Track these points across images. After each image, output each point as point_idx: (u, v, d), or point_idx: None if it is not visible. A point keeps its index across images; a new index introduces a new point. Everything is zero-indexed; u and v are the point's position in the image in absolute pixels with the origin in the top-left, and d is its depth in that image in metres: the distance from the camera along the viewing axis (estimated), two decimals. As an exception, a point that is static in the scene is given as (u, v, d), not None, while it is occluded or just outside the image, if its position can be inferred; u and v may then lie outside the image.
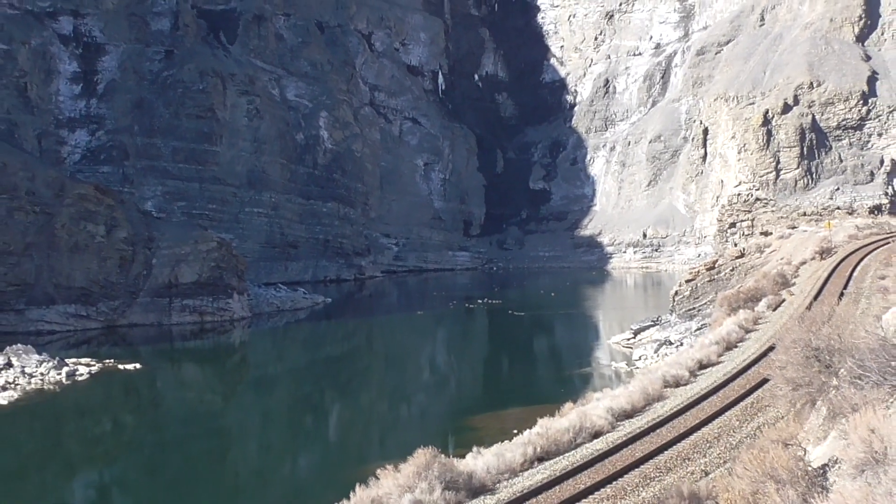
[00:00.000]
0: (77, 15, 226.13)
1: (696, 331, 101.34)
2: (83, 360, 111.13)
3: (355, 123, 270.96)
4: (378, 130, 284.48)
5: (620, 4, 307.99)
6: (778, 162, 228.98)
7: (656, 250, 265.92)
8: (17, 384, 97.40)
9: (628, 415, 54.45)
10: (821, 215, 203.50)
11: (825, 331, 34.26)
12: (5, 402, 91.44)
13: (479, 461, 45.49)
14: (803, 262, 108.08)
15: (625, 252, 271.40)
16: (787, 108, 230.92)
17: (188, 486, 71.82)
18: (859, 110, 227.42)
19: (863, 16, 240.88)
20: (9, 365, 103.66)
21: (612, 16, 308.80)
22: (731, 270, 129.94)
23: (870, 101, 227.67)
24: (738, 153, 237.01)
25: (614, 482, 42.06)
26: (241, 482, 73.72)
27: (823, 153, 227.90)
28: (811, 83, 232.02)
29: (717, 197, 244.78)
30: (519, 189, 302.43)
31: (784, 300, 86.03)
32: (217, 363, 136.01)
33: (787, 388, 34.10)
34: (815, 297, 79.08)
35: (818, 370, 30.86)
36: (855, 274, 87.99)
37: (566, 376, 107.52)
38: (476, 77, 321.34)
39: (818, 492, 18.96)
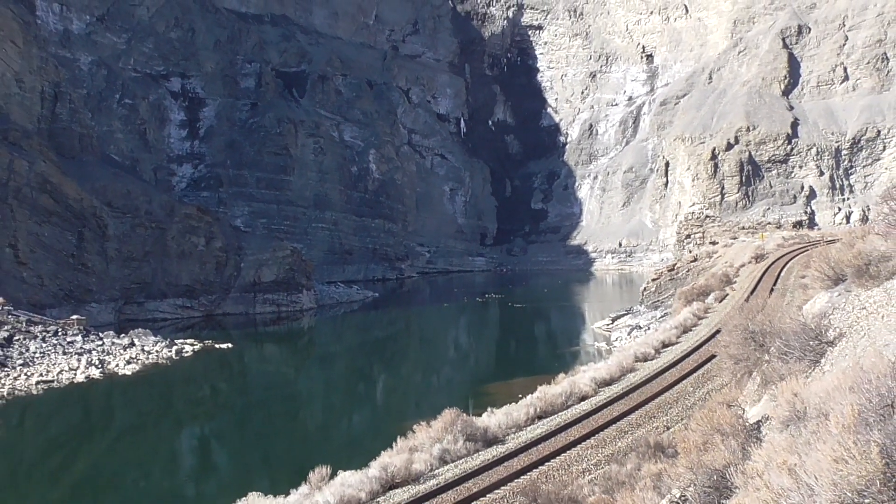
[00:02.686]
0: (184, 76, 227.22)
1: (660, 318, 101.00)
2: (188, 341, 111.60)
3: (397, 158, 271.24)
4: (414, 164, 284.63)
5: (601, 67, 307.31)
6: (723, 188, 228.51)
7: (629, 256, 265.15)
8: (139, 359, 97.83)
9: (608, 383, 54.30)
10: (756, 229, 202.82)
11: (759, 318, 34.09)
12: (129, 373, 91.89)
13: (492, 419, 45.43)
14: (742, 265, 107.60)
15: (605, 257, 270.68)
16: (729, 147, 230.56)
17: (269, 436, 72.03)
18: (785, 148, 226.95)
19: (787, 76, 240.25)
20: (132, 344, 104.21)
21: (594, 75, 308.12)
22: (687, 271, 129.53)
23: (793, 141, 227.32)
24: (692, 181, 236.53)
25: (597, 434, 42.00)
26: (309, 434, 73.88)
27: (758, 181, 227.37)
28: (748, 127, 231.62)
29: (676, 215, 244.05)
30: (523, 209, 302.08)
31: (728, 294, 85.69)
32: (290, 343, 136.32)
33: (730, 362, 33.97)
34: (752, 292, 78.79)
35: (754, 348, 30.74)
36: (782, 274, 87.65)
37: (559, 353, 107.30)
38: (490, 122, 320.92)
39: (754, 442, 18.90)
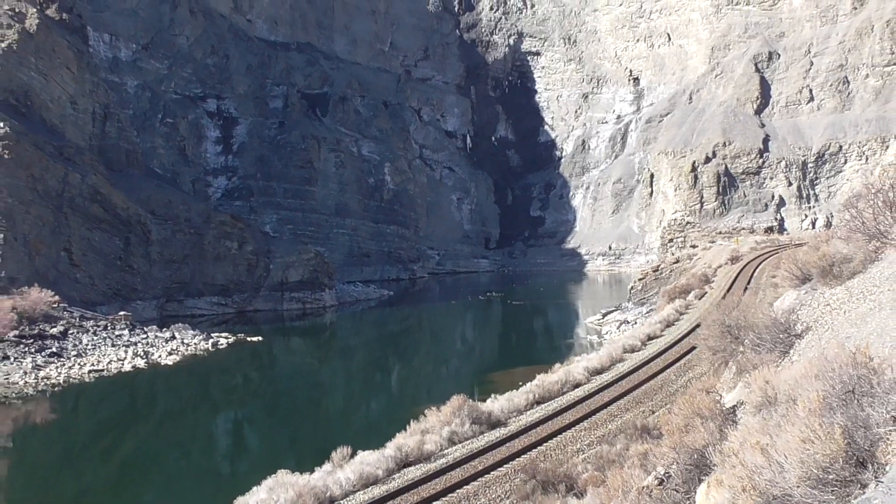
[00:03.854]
0: (219, 98, 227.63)
1: (645, 314, 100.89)
2: (223, 335, 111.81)
3: (409, 171, 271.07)
4: (425, 176, 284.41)
5: (592, 88, 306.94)
6: (702, 197, 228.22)
7: (618, 258, 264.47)
8: (179, 351, 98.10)
9: (599, 371, 54.36)
10: (731, 234, 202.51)
11: (735, 313, 34.13)
12: (171, 363, 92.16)
13: (495, 404, 45.53)
14: (720, 266, 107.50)
15: (596, 259, 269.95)
16: (708, 160, 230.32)
17: (295, 420, 72.23)
18: (757, 161, 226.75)
19: (759, 97, 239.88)
20: (173, 338, 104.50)
21: (587, 96, 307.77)
22: (670, 272, 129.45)
23: (764, 155, 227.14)
24: (675, 191, 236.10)
25: (590, 418, 42.10)
26: (331, 418, 74.04)
27: (733, 191, 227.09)
28: (724, 142, 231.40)
29: (660, 221, 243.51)
30: (523, 216, 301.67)
31: (706, 292, 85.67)
32: (314, 336, 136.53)
33: (708, 353, 34.03)
34: (728, 290, 78.81)
35: (730, 340, 30.80)
36: (755, 274, 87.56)
37: (555, 345, 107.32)
38: (493, 139, 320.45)
39: (730, 424, 18.95)
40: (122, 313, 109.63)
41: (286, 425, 70.80)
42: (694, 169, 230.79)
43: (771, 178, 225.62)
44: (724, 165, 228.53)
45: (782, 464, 10.48)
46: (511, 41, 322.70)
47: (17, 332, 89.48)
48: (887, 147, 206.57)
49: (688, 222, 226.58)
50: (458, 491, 32.48)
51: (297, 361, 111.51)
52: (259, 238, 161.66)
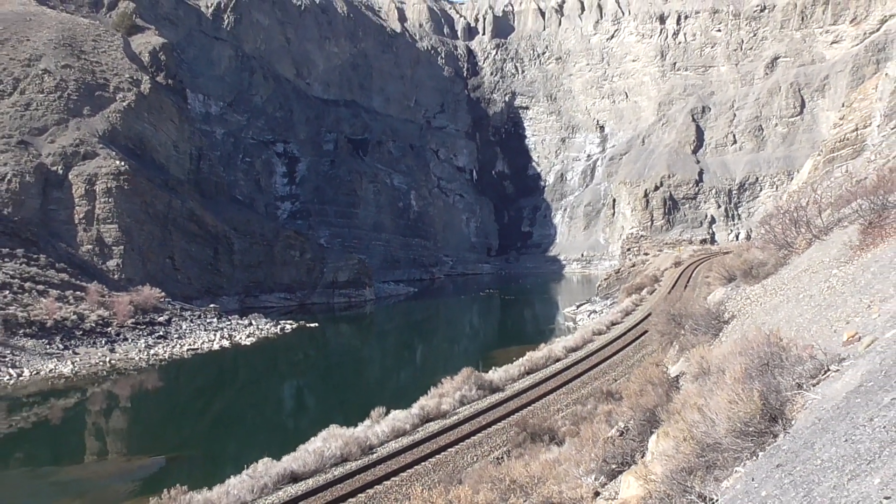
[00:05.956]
0: (285, 142, 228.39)
1: (609, 305, 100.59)
2: (288, 322, 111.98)
3: (429, 197, 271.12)
4: (442, 201, 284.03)
5: (568, 134, 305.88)
6: (652, 216, 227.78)
7: (589, 263, 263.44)
8: (255, 334, 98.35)
9: (574, 349, 54.27)
10: (675, 244, 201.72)
11: (678, 305, 34.05)
12: (249, 344, 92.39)
13: (495, 374, 45.53)
14: (666, 269, 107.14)
15: (572, 264, 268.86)
16: (656, 188, 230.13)
17: (343, 386, 72.35)
18: (694, 189, 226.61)
19: (695, 140, 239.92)
20: (250, 324, 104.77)
21: (564, 140, 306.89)
22: (628, 273, 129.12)
23: (699, 184, 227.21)
24: (631, 212, 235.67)
25: (568, 384, 42.04)
26: (370, 385, 74.10)
27: (676, 211, 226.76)
28: (669, 175, 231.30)
29: (621, 235, 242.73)
30: (516, 231, 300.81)
31: (656, 289, 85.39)
32: (357, 323, 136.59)
33: (658, 335, 33.93)
34: (673, 287, 78.54)
35: (674, 326, 30.73)
36: (693, 275, 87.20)
37: (541, 329, 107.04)
38: (493, 172, 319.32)
39: (674, 390, 18.91)
40: (212, 306, 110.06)
41: (336, 390, 70.93)
42: (646, 195, 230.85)
43: (705, 202, 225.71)
44: (669, 192, 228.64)
45: (714, 419, 10.49)
46: (507, 98, 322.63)
47: (133, 320, 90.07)
48: (792, 178, 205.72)
49: (641, 235, 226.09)
50: (467, 440, 32.54)
51: (344, 342, 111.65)
52: (316, 248, 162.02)
